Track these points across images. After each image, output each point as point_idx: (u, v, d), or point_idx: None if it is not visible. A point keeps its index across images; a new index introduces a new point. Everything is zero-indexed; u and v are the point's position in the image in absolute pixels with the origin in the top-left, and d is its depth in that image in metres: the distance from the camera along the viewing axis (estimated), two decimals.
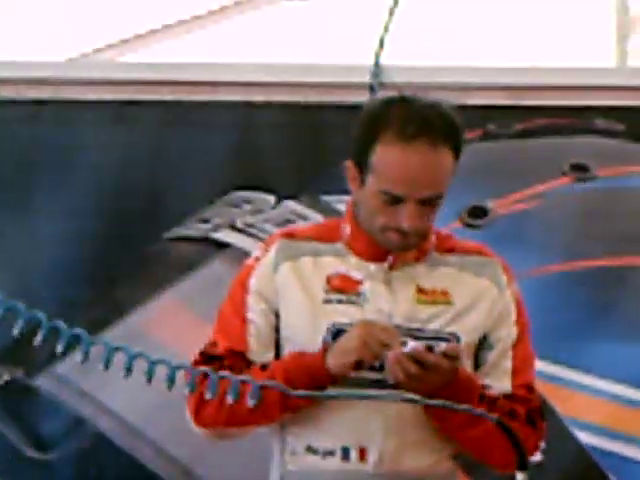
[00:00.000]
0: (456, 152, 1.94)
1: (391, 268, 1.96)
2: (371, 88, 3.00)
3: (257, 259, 2.07)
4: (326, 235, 2.07)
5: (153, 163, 3.22)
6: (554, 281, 3.09)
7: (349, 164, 2.02)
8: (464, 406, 1.79)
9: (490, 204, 3.08)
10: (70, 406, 3.13)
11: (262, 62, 3.67)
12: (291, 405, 1.91)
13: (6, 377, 3.14)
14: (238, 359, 1.94)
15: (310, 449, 1.98)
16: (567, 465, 3.08)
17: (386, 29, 3.28)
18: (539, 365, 2.52)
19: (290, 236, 2.07)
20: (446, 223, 2.53)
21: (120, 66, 3.57)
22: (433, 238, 1.99)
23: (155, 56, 4.40)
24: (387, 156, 1.95)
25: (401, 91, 2.06)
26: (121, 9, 4.44)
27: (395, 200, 1.94)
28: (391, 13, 3.30)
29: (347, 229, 2.02)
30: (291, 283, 2.01)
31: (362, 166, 1.99)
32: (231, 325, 1.96)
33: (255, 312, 2.00)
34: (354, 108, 2.20)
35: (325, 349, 1.90)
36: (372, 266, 1.97)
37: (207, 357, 1.94)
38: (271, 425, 1.99)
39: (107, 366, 1.59)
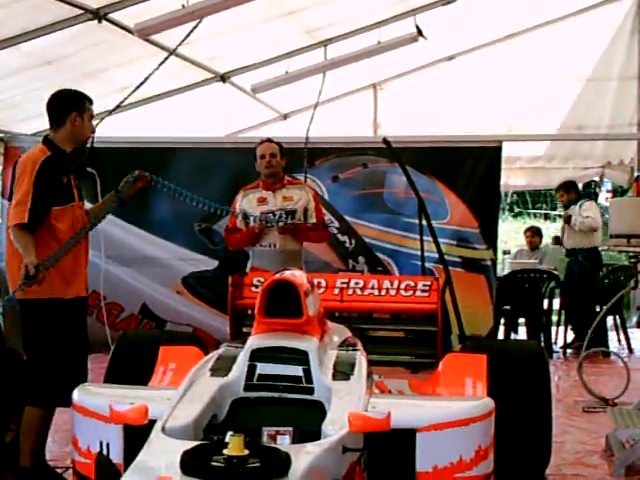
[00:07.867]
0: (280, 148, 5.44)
1: (274, 191, 5.49)
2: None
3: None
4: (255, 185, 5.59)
5: None
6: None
7: None
8: (308, 227, 5.43)
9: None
10: None
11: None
12: (254, 239, 5.40)
13: None
14: (236, 228, 5.47)
15: (259, 245, 5.45)
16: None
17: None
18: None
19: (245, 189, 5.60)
20: None
21: None
22: (285, 180, 5.58)
23: None
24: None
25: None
26: None
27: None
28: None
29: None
30: (249, 201, 5.46)
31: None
32: (231, 219, 5.52)
33: (237, 215, 5.43)
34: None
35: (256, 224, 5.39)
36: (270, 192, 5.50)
37: (227, 227, 5.61)
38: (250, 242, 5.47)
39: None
